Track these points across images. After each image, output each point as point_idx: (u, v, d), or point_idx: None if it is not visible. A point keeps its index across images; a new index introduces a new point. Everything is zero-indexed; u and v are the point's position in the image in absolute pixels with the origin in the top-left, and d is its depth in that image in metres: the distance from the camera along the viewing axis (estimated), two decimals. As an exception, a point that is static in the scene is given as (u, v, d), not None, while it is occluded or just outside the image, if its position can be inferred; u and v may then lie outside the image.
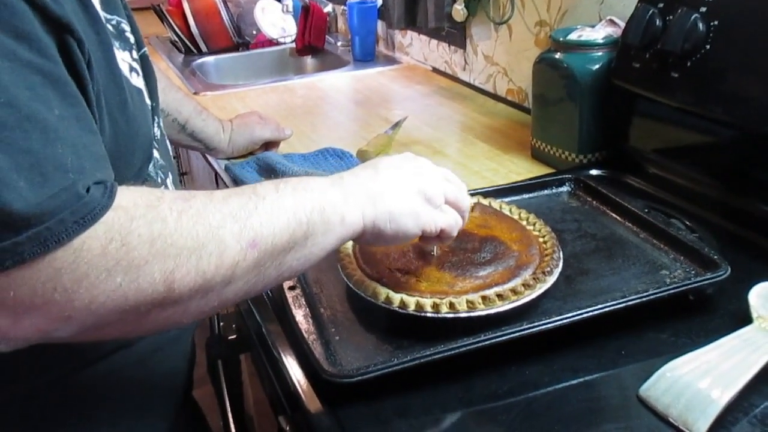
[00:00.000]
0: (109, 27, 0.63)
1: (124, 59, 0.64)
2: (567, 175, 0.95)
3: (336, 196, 0.59)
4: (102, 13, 0.61)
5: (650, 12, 0.93)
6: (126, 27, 0.67)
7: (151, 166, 0.69)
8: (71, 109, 0.50)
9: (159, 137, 0.73)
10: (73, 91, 0.51)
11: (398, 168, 0.64)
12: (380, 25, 2.04)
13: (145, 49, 0.73)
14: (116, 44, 0.63)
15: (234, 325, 0.85)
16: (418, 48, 1.91)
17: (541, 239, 0.76)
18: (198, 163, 1.78)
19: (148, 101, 0.67)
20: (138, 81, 0.66)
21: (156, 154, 0.71)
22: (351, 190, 0.60)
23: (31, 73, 0.47)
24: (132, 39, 0.67)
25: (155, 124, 0.72)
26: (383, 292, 0.67)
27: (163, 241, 0.50)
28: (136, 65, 0.66)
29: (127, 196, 0.50)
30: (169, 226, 0.50)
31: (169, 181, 0.72)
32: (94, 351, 0.67)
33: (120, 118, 0.60)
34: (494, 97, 1.59)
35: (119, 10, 0.67)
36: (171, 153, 0.79)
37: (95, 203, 0.47)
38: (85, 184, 0.48)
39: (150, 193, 0.52)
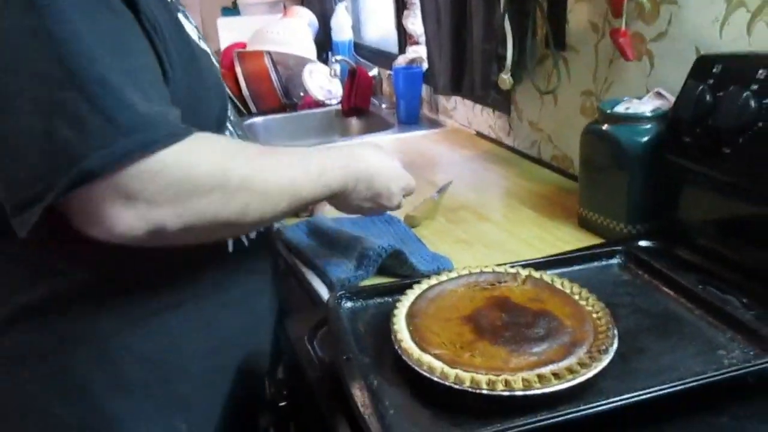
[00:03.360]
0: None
1: (191, 29, 0.78)
2: (618, 247, 0.94)
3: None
4: None
5: (700, 88, 0.94)
6: (188, 14, 0.83)
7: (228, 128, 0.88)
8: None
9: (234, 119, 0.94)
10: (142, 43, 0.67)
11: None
12: (425, 89, 2.09)
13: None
14: (183, 15, 0.79)
15: (284, 392, 0.85)
16: (463, 112, 1.95)
17: (594, 315, 0.76)
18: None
19: (216, 64, 0.83)
20: (205, 46, 0.79)
21: (230, 127, 0.90)
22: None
23: (124, 23, 0.65)
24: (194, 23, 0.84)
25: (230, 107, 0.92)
26: (438, 366, 0.67)
27: (251, 180, 0.69)
28: (201, 35, 0.83)
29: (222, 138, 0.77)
30: (262, 172, 0.71)
31: None
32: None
33: (191, 69, 0.73)
34: (539, 162, 1.60)
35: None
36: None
37: (181, 129, 0.65)
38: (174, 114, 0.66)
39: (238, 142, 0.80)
